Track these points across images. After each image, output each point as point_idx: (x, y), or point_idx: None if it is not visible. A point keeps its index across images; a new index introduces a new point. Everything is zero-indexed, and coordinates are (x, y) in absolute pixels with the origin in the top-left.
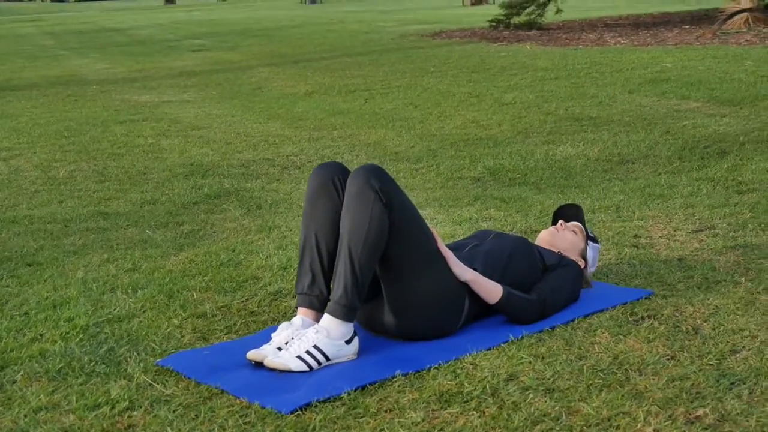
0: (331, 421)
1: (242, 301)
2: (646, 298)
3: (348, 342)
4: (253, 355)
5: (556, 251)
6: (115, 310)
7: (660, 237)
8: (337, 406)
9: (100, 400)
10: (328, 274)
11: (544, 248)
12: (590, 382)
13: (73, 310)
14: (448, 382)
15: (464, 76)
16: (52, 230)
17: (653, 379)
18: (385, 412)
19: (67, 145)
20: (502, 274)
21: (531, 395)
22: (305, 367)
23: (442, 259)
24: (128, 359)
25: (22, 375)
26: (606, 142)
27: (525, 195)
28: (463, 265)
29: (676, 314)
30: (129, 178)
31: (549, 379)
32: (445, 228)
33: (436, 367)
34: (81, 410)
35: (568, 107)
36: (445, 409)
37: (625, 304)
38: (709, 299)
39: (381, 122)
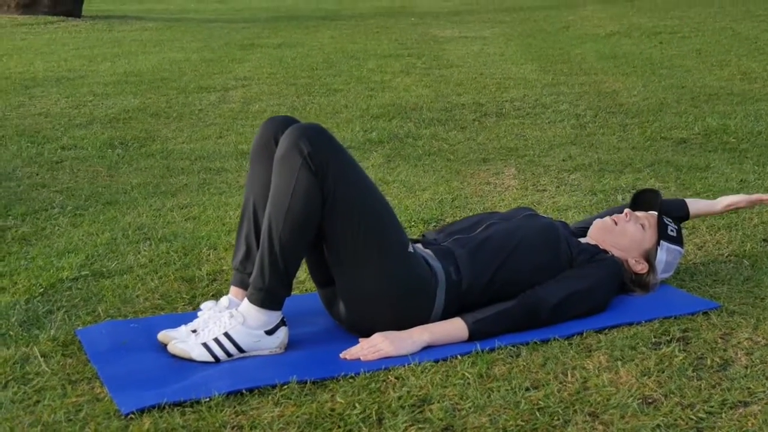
0: None
1: None
2: (703, 313)
3: (270, 333)
4: (162, 336)
5: (601, 247)
6: (114, 264)
7: None
8: (186, 413)
9: None
10: None
11: (580, 242)
12: (509, 423)
13: (75, 259)
14: (339, 400)
15: None
16: (194, 168)
17: (597, 430)
18: (232, 428)
19: (294, 79)
20: (495, 270)
21: None
22: (209, 358)
23: (401, 243)
24: (53, 324)
25: None
26: None
27: (714, 165)
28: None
29: (721, 339)
30: (323, 114)
31: (463, 412)
32: (573, 197)
33: (350, 377)
34: None
35: None
36: None
37: (667, 318)
38: None
39: (639, 70)
